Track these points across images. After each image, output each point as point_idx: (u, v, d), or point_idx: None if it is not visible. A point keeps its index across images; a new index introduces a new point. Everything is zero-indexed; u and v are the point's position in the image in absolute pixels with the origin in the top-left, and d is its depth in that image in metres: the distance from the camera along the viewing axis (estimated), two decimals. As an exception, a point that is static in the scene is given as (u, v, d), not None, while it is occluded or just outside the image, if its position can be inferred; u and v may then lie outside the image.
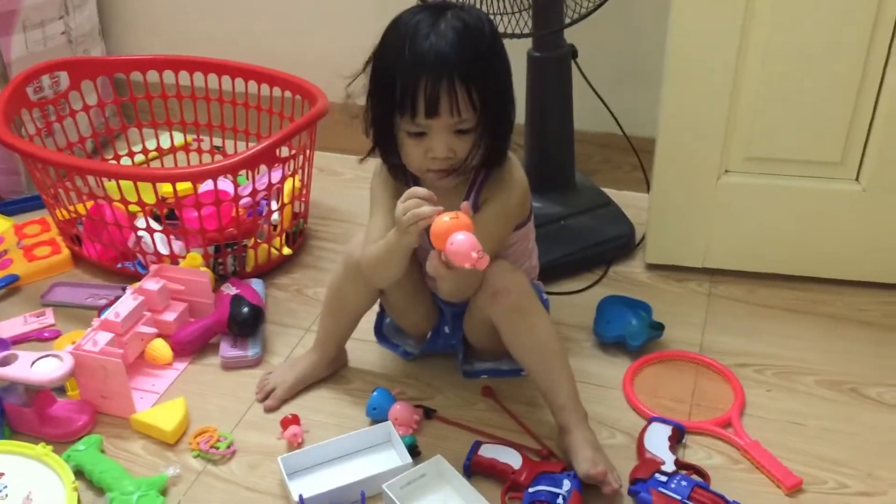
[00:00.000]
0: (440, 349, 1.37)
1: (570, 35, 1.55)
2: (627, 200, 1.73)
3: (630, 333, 1.41)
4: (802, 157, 1.45)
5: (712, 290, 1.56)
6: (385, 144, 1.17)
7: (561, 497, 1.11)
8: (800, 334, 1.45)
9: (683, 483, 1.13)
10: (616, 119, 1.67)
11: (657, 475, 1.14)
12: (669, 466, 1.16)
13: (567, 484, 1.13)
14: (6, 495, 1.06)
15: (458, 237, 1.00)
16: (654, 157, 1.51)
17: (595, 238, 1.62)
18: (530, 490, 1.13)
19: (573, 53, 1.57)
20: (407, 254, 1.15)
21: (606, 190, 1.74)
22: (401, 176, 1.22)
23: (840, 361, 1.39)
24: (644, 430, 1.23)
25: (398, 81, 1.09)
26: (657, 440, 1.21)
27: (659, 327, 1.42)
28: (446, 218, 1.02)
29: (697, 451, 1.23)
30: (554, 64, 1.57)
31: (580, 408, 1.20)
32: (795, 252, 1.53)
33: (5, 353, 1.26)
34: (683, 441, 1.24)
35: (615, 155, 1.83)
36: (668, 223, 1.56)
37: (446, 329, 1.34)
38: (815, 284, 1.55)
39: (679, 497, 1.11)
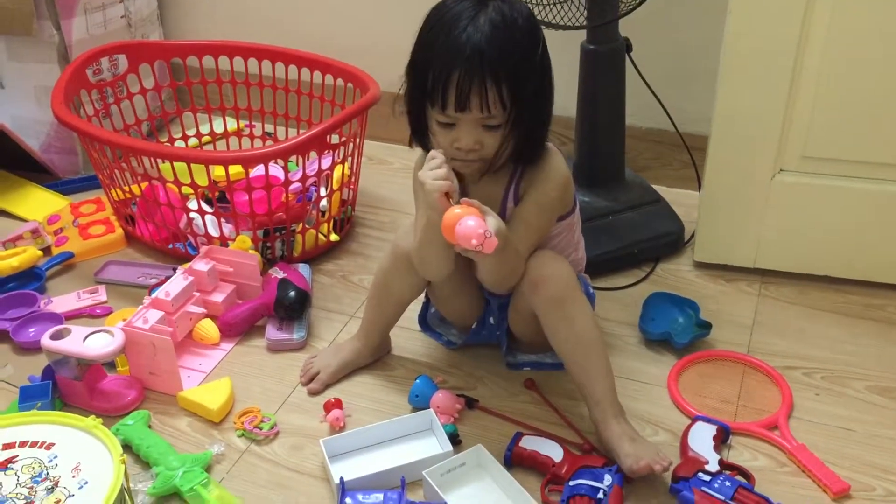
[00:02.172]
0: (484, 340, 1.37)
1: (624, 29, 1.54)
2: (677, 198, 1.71)
3: (676, 331, 1.39)
4: (860, 158, 1.42)
5: (762, 290, 1.53)
6: (419, 130, 1.18)
7: (602, 491, 1.10)
8: (851, 339, 1.42)
9: (727, 483, 1.11)
10: (669, 115, 1.65)
11: (700, 474, 1.13)
12: (713, 466, 1.14)
13: (608, 479, 1.12)
14: (56, 465, 1.08)
15: (468, 221, 1.03)
16: (707, 154, 1.49)
17: (643, 234, 1.60)
18: (571, 483, 1.13)
19: (627, 47, 1.56)
20: (445, 252, 1.15)
21: (656, 187, 1.72)
22: None
23: (892, 367, 1.36)
24: (688, 428, 1.21)
25: (431, 71, 1.09)
26: (701, 439, 1.19)
27: (706, 326, 1.40)
28: (457, 210, 1.05)
29: (742, 453, 1.22)
30: (607, 57, 1.56)
31: (616, 403, 1.19)
32: (849, 254, 1.50)
33: (59, 327, 1.29)
34: (728, 441, 1.23)
35: (667, 151, 1.81)
36: (718, 221, 1.53)
37: (491, 320, 1.34)
38: (868, 288, 1.51)
39: (722, 497, 1.10)
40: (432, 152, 1.12)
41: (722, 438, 1.21)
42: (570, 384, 1.31)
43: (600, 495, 1.10)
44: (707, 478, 1.12)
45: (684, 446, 1.19)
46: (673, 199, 1.69)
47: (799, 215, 1.48)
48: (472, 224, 1.03)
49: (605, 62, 1.56)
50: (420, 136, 1.18)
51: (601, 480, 1.12)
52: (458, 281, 1.28)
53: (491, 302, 1.33)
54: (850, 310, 1.48)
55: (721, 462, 1.15)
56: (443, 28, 1.09)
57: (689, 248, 1.63)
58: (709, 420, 1.22)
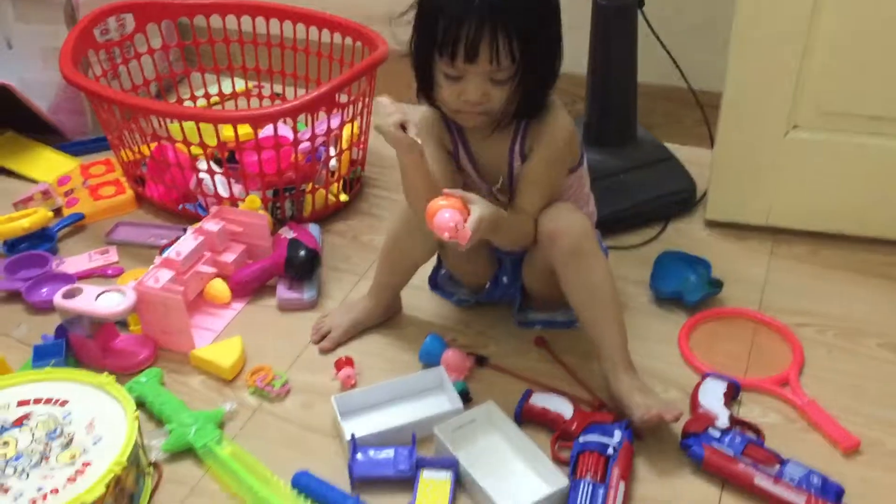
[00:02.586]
0: (497, 299, 1.37)
1: (637, -17, 1.51)
2: (690, 156, 1.69)
3: (687, 289, 1.38)
4: (876, 113, 1.39)
5: (774, 248, 1.52)
6: (424, 82, 1.16)
7: (611, 447, 1.11)
8: (865, 296, 1.41)
9: (737, 439, 1.12)
10: (682, 71, 1.63)
11: (710, 430, 1.13)
12: (723, 422, 1.14)
13: (618, 435, 1.12)
14: (70, 421, 1.09)
15: (443, 214, 1.07)
16: (720, 110, 1.47)
17: (654, 193, 1.59)
18: (580, 440, 1.13)
19: (640, 2, 1.53)
20: (416, 173, 1.16)
21: (668, 145, 1.70)
22: (443, 122, 1.22)
23: (905, 325, 1.35)
24: (699, 385, 1.21)
25: (441, 21, 1.08)
26: (712, 396, 1.19)
27: (717, 284, 1.39)
28: (441, 201, 1.08)
29: (753, 409, 1.22)
30: (619, 13, 1.53)
31: (627, 357, 1.19)
32: (864, 212, 1.49)
33: (71, 286, 1.30)
34: (738, 398, 1.23)
35: (679, 109, 1.79)
36: (731, 179, 1.52)
37: (505, 279, 1.34)
38: (883, 246, 1.50)
39: (732, 452, 1.10)
40: (378, 99, 1.13)
41: (732, 395, 1.21)
42: (581, 342, 1.32)
43: (610, 451, 1.10)
44: (717, 434, 1.13)
45: (694, 403, 1.19)
46: (685, 157, 1.67)
47: (813, 172, 1.47)
48: (446, 217, 1.07)
49: (617, 18, 1.54)
50: (426, 90, 1.17)
51: (611, 436, 1.12)
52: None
53: (504, 261, 1.33)
54: (863, 268, 1.47)
55: (731, 418, 1.15)
56: None
57: (700, 207, 1.62)
58: (719, 377, 1.22)
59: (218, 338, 1.37)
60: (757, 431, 1.16)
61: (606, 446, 1.11)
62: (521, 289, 1.33)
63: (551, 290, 1.24)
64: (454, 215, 1.06)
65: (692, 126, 1.77)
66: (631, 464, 1.11)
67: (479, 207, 1.09)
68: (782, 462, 1.09)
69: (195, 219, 1.56)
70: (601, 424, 1.14)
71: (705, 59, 1.64)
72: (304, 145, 1.58)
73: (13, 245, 1.54)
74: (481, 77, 1.10)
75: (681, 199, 1.62)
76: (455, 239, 1.06)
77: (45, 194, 1.67)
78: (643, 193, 1.59)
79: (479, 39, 1.06)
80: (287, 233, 1.50)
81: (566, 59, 1.16)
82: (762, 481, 1.07)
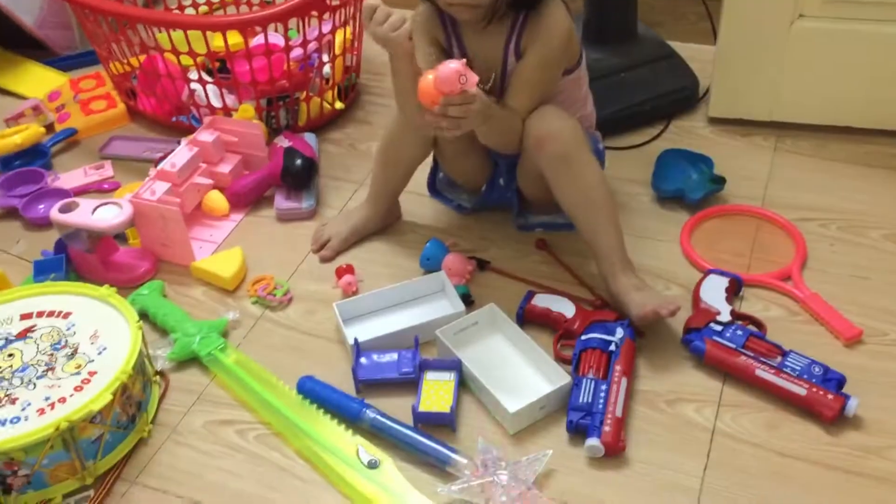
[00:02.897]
0: (495, 202, 1.36)
1: None
2: (692, 53, 1.64)
3: (689, 187, 1.37)
4: (885, -1, 1.35)
5: (778, 144, 1.50)
6: None
7: (613, 344, 1.11)
8: (870, 188, 1.39)
9: (739, 332, 1.12)
10: (683, -37, 1.58)
11: (712, 325, 1.13)
12: (725, 317, 1.15)
13: (620, 332, 1.12)
14: (74, 332, 1.09)
15: (448, 65, 1.02)
16: (723, 3, 1.43)
17: (656, 91, 1.56)
18: (583, 337, 1.13)
19: None
20: (409, 76, 1.13)
21: (671, 42, 1.65)
22: (437, 18, 1.18)
23: (910, 216, 1.34)
24: (700, 281, 1.21)
25: None
26: (714, 292, 1.19)
27: (720, 181, 1.37)
28: (430, 77, 1.04)
29: (755, 304, 1.21)
30: None
31: (625, 257, 1.18)
32: (871, 103, 1.45)
33: (67, 200, 1.29)
34: (741, 294, 1.23)
35: (681, 4, 1.74)
36: (734, 74, 1.48)
37: (501, 181, 1.32)
38: (889, 138, 1.47)
39: (734, 345, 1.10)
40: (368, 2, 1.09)
41: (734, 290, 1.21)
42: (582, 243, 1.30)
43: (612, 348, 1.11)
44: (719, 328, 1.13)
45: (696, 299, 1.19)
46: (688, 55, 1.63)
47: (819, 63, 1.43)
48: (451, 66, 1.02)
49: None
50: None
51: (613, 334, 1.12)
52: (463, 141, 1.25)
53: (499, 163, 1.31)
54: (869, 160, 1.45)
55: (733, 312, 1.15)
56: None
57: (703, 104, 1.58)
58: (721, 273, 1.22)
59: (218, 249, 1.37)
60: (759, 325, 1.16)
61: (608, 343, 1.11)
62: (517, 192, 1.31)
63: (545, 193, 1.22)
64: (457, 64, 1.03)
65: (695, 21, 1.72)
66: (633, 360, 1.12)
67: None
68: (784, 353, 1.09)
69: (189, 131, 1.53)
70: (603, 323, 1.15)
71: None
72: (297, 52, 1.54)
73: (7, 162, 1.53)
74: None
75: (683, 96, 1.58)
76: (465, 85, 1.02)
77: (36, 110, 1.64)
78: (644, 92, 1.56)
79: None
80: (283, 142, 1.48)
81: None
82: (763, 372, 1.07)
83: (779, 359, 1.09)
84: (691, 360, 1.14)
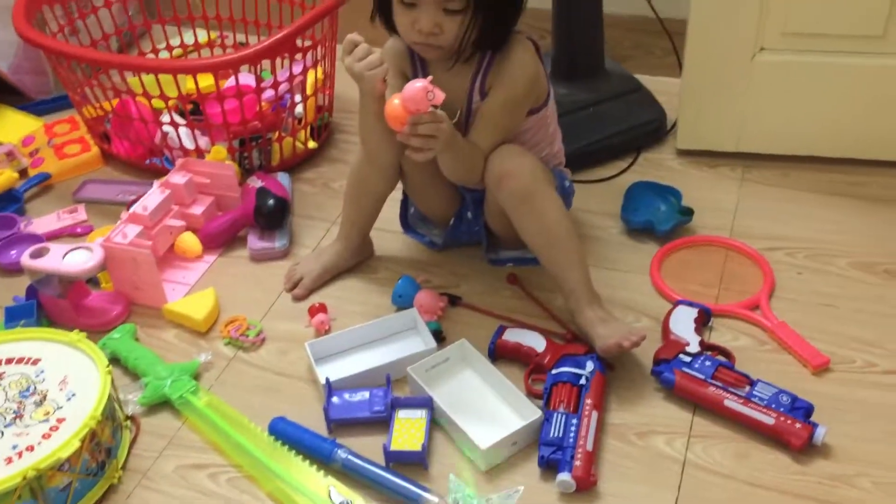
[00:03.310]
0: (464, 237, 1.37)
1: None
2: (660, 86, 1.67)
3: (658, 219, 1.38)
4: (842, 32, 1.38)
5: (745, 174, 1.52)
6: (384, 10, 1.15)
7: (584, 377, 1.12)
8: (834, 217, 1.41)
9: (707, 363, 1.13)
10: (648, 0, 1.60)
11: (681, 356, 1.14)
12: (694, 347, 1.15)
13: (590, 365, 1.13)
14: (43, 379, 1.09)
15: (414, 84, 1.03)
16: (686, 37, 1.45)
17: (624, 124, 1.58)
18: (553, 371, 1.14)
19: (601, -71, 1.50)
20: (373, 104, 1.15)
21: (638, 76, 1.68)
22: (406, 52, 1.21)
23: (875, 243, 1.35)
24: (670, 312, 1.22)
25: None
26: (683, 323, 1.20)
27: (688, 212, 1.39)
28: (396, 101, 1.05)
29: (724, 334, 1.22)
30: (581, -59, 1.50)
31: (590, 290, 1.19)
32: (833, 132, 1.48)
33: (38, 245, 1.29)
34: (710, 324, 1.24)
35: (647, 39, 1.77)
36: (700, 106, 1.51)
37: (469, 215, 1.33)
38: (852, 166, 1.50)
39: (702, 376, 1.11)
40: (350, 37, 1.11)
41: (703, 321, 1.22)
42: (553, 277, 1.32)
43: (582, 381, 1.11)
44: (688, 359, 1.14)
45: (666, 330, 1.20)
46: (656, 88, 1.66)
47: (781, 95, 1.46)
48: (417, 85, 1.03)
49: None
50: (385, 14, 1.16)
51: (583, 367, 1.13)
52: (429, 172, 1.26)
53: (466, 196, 1.32)
54: (833, 188, 1.47)
55: (702, 343, 1.16)
56: None
57: (672, 137, 1.61)
58: (690, 304, 1.23)
59: (191, 291, 1.37)
60: (727, 355, 1.17)
61: (579, 377, 1.12)
62: (486, 226, 1.33)
63: (512, 229, 1.23)
64: (423, 82, 1.03)
65: (662, 56, 1.75)
66: (603, 393, 1.12)
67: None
68: (752, 383, 1.10)
69: (163, 173, 1.54)
70: (573, 356, 1.15)
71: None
72: (269, 93, 1.56)
73: (-20, 208, 1.53)
74: (434, 6, 1.08)
75: (651, 129, 1.61)
76: (433, 100, 1.03)
77: (10, 155, 1.64)
78: (613, 125, 1.58)
79: None
80: (255, 182, 1.49)
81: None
82: (732, 402, 1.08)
83: (747, 388, 1.10)
84: (661, 392, 1.14)
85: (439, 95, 1.03)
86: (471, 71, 1.18)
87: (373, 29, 1.21)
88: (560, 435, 1.05)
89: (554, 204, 1.19)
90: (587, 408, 1.08)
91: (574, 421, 1.06)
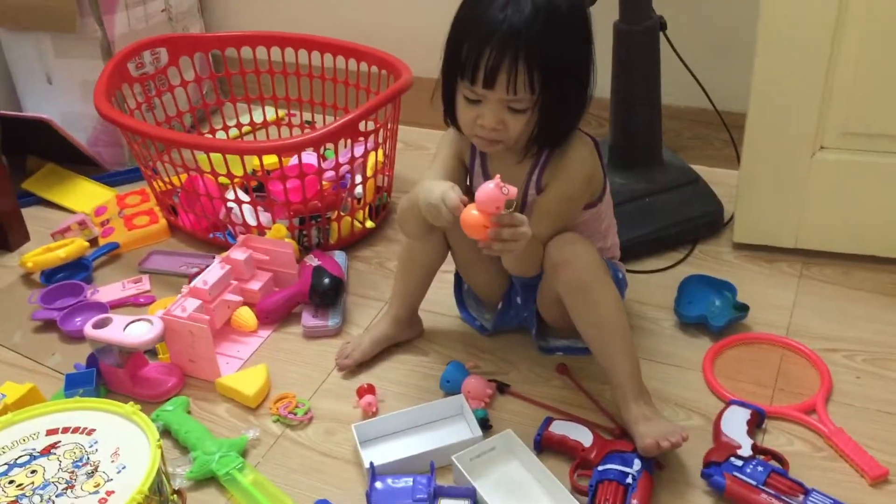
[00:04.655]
0: (514, 322, 1.37)
1: (658, 6, 1.51)
2: (718, 178, 1.67)
3: (712, 314, 1.37)
4: (903, 133, 1.37)
5: (804, 271, 1.50)
6: (449, 103, 1.17)
7: (630, 476, 1.10)
8: (895, 320, 1.38)
9: (759, 468, 1.10)
10: (707, 93, 1.62)
11: (732, 459, 1.11)
12: (746, 451, 1.13)
13: (637, 463, 1.11)
14: (96, 450, 1.11)
15: (488, 185, 1.02)
16: (745, 132, 1.46)
17: (681, 216, 1.58)
18: (599, 468, 1.12)
19: (662, 25, 1.53)
20: (423, 220, 1.16)
21: (696, 167, 1.68)
22: (468, 144, 1.23)
23: (939, 350, 1.32)
24: (722, 412, 1.20)
25: (466, 43, 1.09)
26: (735, 424, 1.17)
27: (743, 308, 1.37)
28: (474, 212, 1.05)
29: (778, 437, 1.19)
30: (642, 36, 1.53)
31: (638, 385, 1.18)
32: (894, 233, 1.45)
33: (101, 316, 1.33)
34: (763, 426, 1.21)
35: (706, 131, 1.78)
36: (758, 201, 1.50)
37: (518, 300, 1.34)
38: (915, 268, 1.47)
39: (754, 482, 1.08)
40: (451, 198, 1.09)
41: (756, 423, 1.19)
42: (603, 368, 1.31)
43: (629, 480, 1.09)
44: (739, 462, 1.11)
45: (717, 431, 1.17)
46: (714, 180, 1.66)
47: (841, 194, 1.44)
48: (490, 188, 1.02)
49: (640, 41, 1.54)
50: (452, 112, 1.18)
51: (630, 465, 1.11)
52: (475, 249, 1.26)
53: (514, 282, 1.33)
54: (894, 290, 1.44)
55: (754, 447, 1.14)
56: (482, 2, 1.08)
57: (728, 230, 1.60)
58: (743, 404, 1.20)
59: (244, 365, 1.39)
60: (781, 460, 1.14)
61: (626, 475, 1.10)
62: (536, 313, 1.33)
63: (564, 317, 1.23)
64: (493, 182, 1.02)
65: (721, 148, 1.75)
66: (650, 494, 1.10)
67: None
68: (806, 492, 1.07)
69: (225, 247, 1.59)
70: (621, 453, 1.13)
71: (731, 79, 1.63)
72: (329, 174, 1.60)
73: (50, 275, 1.59)
74: (499, 104, 1.10)
75: (708, 221, 1.60)
76: (508, 196, 1.02)
77: (82, 224, 1.71)
78: (669, 216, 1.58)
79: (498, 67, 1.07)
80: (312, 260, 1.52)
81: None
82: (784, 512, 1.05)
83: (801, 497, 1.06)
84: (711, 496, 1.11)
85: (512, 190, 1.03)
86: (528, 165, 1.20)
87: (432, 114, 1.24)
88: (604, 536, 1.03)
89: (610, 295, 1.19)
90: (633, 509, 1.06)
91: (619, 522, 1.04)
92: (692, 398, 1.26)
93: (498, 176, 1.04)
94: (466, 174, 1.27)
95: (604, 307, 1.18)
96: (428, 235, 1.27)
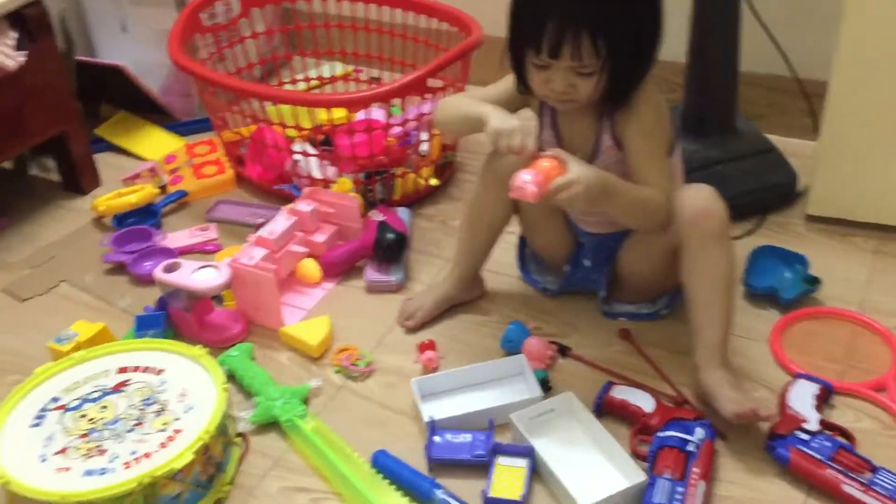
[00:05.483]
0: (580, 285, 1.36)
1: (741, -33, 1.46)
2: (793, 148, 1.62)
3: (782, 286, 1.34)
4: None
5: (880, 247, 1.45)
6: (517, 68, 1.17)
7: (692, 444, 1.08)
8: (975, 300, 1.33)
9: (826, 443, 1.08)
10: (787, 59, 1.56)
11: (798, 433, 1.09)
12: (813, 425, 1.10)
13: (700, 432, 1.10)
14: (164, 390, 1.15)
15: (521, 175, 1.08)
16: (826, 100, 1.41)
17: (752, 185, 1.54)
18: (661, 434, 1.11)
19: (743, -13, 1.48)
20: (473, 131, 1.20)
21: (772, 136, 1.64)
22: (533, 100, 1.22)
23: None
24: (788, 385, 1.17)
25: (529, 15, 1.09)
26: (802, 398, 1.15)
27: (814, 282, 1.34)
28: (545, 163, 1.09)
29: (846, 413, 1.17)
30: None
31: (725, 353, 1.16)
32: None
33: (171, 260, 1.36)
34: (831, 401, 1.18)
35: (783, 99, 1.72)
36: (836, 173, 1.45)
37: (586, 262, 1.33)
38: None
39: (820, 457, 1.06)
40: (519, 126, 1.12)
41: (824, 398, 1.16)
42: (667, 336, 1.30)
43: (690, 448, 1.08)
44: (805, 436, 1.09)
45: (783, 404, 1.15)
46: (788, 150, 1.61)
47: (925, 168, 1.39)
48: (545, 165, 1.08)
49: (719, 4, 1.49)
50: (522, 75, 1.17)
51: (692, 434, 1.10)
52: (541, 209, 1.26)
53: (586, 242, 1.32)
54: (974, 270, 1.39)
55: (821, 422, 1.11)
56: None
57: (801, 201, 1.55)
58: (811, 378, 1.18)
59: (307, 316, 1.41)
60: (848, 436, 1.11)
61: (687, 443, 1.09)
62: (606, 276, 1.31)
63: (646, 277, 1.22)
64: (531, 174, 1.07)
65: (797, 116, 1.70)
66: (712, 463, 1.09)
67: (578, 169, 1.08)
68: (874, 469, 1.05)
69: (289, 199, 1.60)
70: (683, 421, 1.12)
71: (812, 46, 1.57)
72: (397, 129, 1.60)
73: (121, 219, 1.62)
74: (567, 70, 1.10)
75: (781, 192, 1.56)
76: (522, 194, 1.07)
77: (153, 172, 1.74)
78: (741, 185, 1.53)
79: (562, 38, 1.07)
80: (377, 215, 1.52)
81: (663, 46, 1.14)
82: (850, 488, 1.03)
83: (868, 475, 1.04)
84: (774, 468, 1.10)
85: (530, 195, 1.07)
86: (596, 124, 1.19)
87: (502, 75, 1.23)
88: (665, 502, 1.02)
89: (731, 256, 1.18)
90: (694, 477, 1.05)
91: (680, 489, 1.03)
92: (758, 370, 1.24)
93: (523, 180, 1.06)
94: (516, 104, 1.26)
95: (727, 263, 1.17)
96: (496, 192, 1.26)
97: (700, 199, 1.17)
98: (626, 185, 1.15)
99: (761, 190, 1.55)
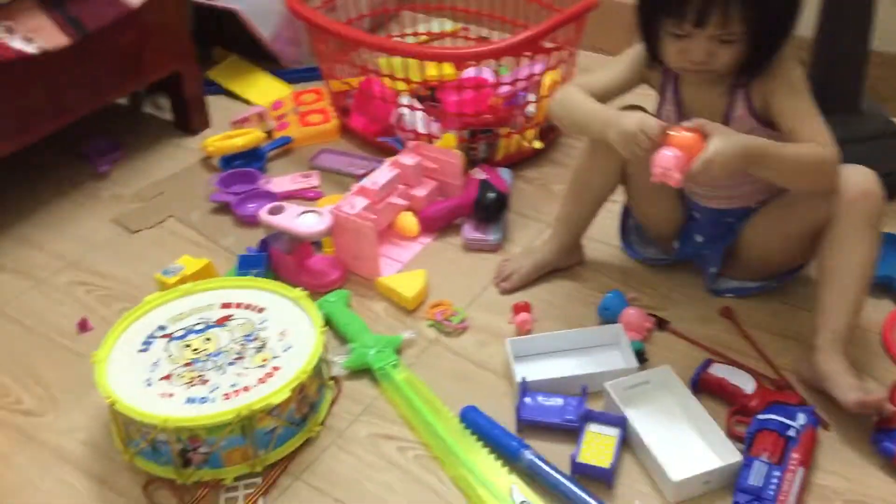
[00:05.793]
0: (688, 258, 1.33)
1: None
2: (920, 133, 1.54)
3: (899, 276, 1.28)
4: None
5: None
6: (648, 37, 1.14)
7: (793, 430, 1.05)
8: None
9: (937, 442, 1.03)
10: (924, 39, 1.48)
11: (907, 428, 1.05)
12: (924, 422, 1.06)
13: (802, 418, 1.06)
14: (265, 328, 1.17)
15: (664, 153, 1.07)
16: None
17: (875, 169, 1.45)
18: (760, 416, 1.08)
19: (884, -41, 1.40)
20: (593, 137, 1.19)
21: (897, 120, 1.56)
22: (659, 69, 1.18)
23: None
24: (900, 379, 1.13)
25: None
26: (914, 393, 1.10)
27: (935, 274, 1.27)
28: (685, 135, 1.07)
29: (959, 413, 1.11)
30: (859, -30, 1.41)
31: (848, 342, 1.12)
32: None
33: (275, 203, 1.38)
34: (945, 400, 1.13)
35: (916, 82, 1.63)
36: (967, 162, 1.37)
37: (698, 238, 1.29)
38: None
39: (930, 455, 1.02)
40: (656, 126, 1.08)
41: (938, 395, 1.11)
42: (770, 317, 1.26)
43: (791, 433, 1.05)
44: (915, 433, 1.04)
45: (893, 398, 1.10)
46: (915, 135, 1.53)
47: None
48: (686, 135, 1.06)
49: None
50: (652, 43, 1.14)
51: (794, 419, 1.06)
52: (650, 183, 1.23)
53: (700, 217, 1.28)
54: None
55: (933, 419, 1.06)
56: None
57: (926, 190, 1.47)
58: (925, 374, 1.13)
59: (403, 269, 1.42)
60: (961, 437, 1.06)
61: (788, 427, 1.06)
62: (720, 253, 1.28)
63: (775, 255, 1.19)
64: (675, 154, 1.05)
65: (929, 101, 1.61)
66: (812, 450, 1.05)
67: (719, 140, 1.05)
68: None
69: (392, 152, 1.60)
70: (784, 405, 1.09)
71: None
72: (504, 89, 1.58)
73: (228, 161, 1.66)
74: (708, 39, 1.07)
75: (903, 179, 1.48)
76: (673, 181, 1.06)
77: (260, 116, 1.77)
78: (861, 169, 1.46)
79: (710, 5, 1.03)
80: (479, 174, 1.52)
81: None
82: (962, 491, 0.98)
83: (981, 479, 0.99)
84: (875, 461, 1.06)
85: (670, 180, 1.06)
86: (725, 87, 1.15)
87: (615, 40, 1.20)
88: (760, 485, 0.99)
89: (878, 242, 1.14)
90: (793, 462, 1.02)
91: (777, 473, 1.00)
92: (868, 361, 1.19)
93: (665, 166, 1.05)
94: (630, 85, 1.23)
95: (873, 250, 1.13)
96: (604, 160, 1.23)
97: (864, 180, 1.13)
98: (779, 145, 1.10)
99: (884, 175, 1.46)
